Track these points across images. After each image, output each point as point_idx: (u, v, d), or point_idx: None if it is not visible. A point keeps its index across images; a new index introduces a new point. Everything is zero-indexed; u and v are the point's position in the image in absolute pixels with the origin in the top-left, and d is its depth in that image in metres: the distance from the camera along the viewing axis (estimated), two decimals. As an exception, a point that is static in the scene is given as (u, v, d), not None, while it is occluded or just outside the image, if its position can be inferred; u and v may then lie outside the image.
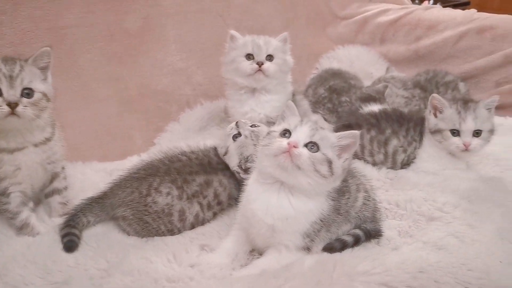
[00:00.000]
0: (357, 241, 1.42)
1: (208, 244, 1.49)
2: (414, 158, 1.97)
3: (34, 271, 1.32)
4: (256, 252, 1.46)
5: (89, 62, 2.11)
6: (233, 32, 2.16)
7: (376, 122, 2.02)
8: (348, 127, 2.05)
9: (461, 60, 2.87)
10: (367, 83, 2.84)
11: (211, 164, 1.70)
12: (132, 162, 2.13)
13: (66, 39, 2.03)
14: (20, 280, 1.29)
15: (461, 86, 2.66)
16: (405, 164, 1.98)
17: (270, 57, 2.09)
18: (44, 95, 1.45)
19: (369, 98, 2.33)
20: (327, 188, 1.34)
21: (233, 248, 1.44)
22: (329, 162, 1.29)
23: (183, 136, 2.33)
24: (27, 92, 1.40)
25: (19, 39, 1.86)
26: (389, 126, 2.00)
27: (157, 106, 2.38)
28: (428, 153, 1.92)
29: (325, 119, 2.62)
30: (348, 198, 1.43)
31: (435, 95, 1.88)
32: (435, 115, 1.90)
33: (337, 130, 2.06)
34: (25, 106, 1.38)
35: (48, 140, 1.55)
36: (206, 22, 2.63)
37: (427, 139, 1.93)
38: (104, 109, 2.16)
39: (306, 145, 1.28)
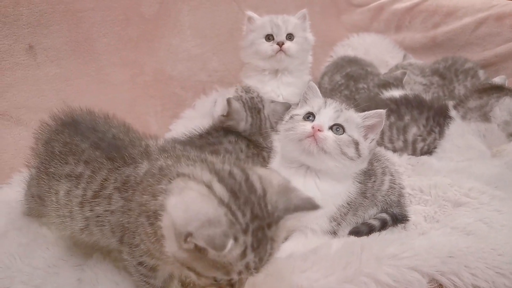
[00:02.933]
0: (384, 225, 1.39)
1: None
2: (435, 147, 1.92)
3: None
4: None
5: (105, 47, 2.07)
6: (250, 13, 2.12)
7: (396, 107, 1.98)
8: (367, 111, 2.02)
9: (480, 47, 2.81)
10: (382, 71, 2.79)
11: (211, 134, 1.71)
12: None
13: (82, 23, 1.99)
14: None
15: (481, 73, 2.61)
16: (426, 153, 1.94)
17: (290, 36, 2.05)
18: None
19: (387, 85, 2.29)
20: (354, 170, 1.31)
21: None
22: (356, 144, 1.26)
23: (198, 122, 2.28)
24: None
25: (36, 21, 1.82)
26: (408, 112, 1.96)
27: (173, 92, 2.35)
28: (454, 144, 1.86)
29: (342, 107, 2.58)
30: (374, 181, 1.40)
31: None
32: None
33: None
34: None
35: None
36: (221, 8, 2.59)
37: (455, 131, 1.87)
38: (119, 94, 2.12)
39: (331, 128, 1.25)
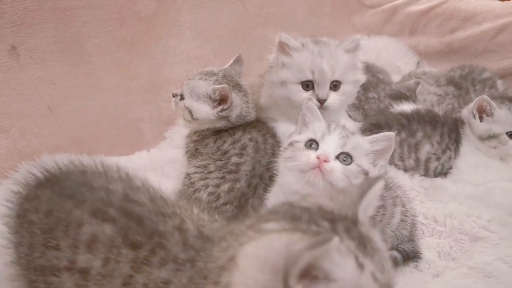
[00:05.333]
0: (394, 265, 1.23)
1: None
2: (450, 168, 1.77)
3: None
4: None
5: (97, 48, 1.92)
6: (284, 37, 1.52)
7: (407, 123, 1.84)
8: (377, 126, 1.87)
9: (499, 55, 2.64)
10: (394, 77, 2.64)
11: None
12: (140, 157, 1.98)
13: (72, 22, 1.84)
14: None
15: (500, 84, 2.46)
16: (439, 174, 1.79)
17: (336, 84, 1.53)
18: None
19: (399, 96, 2.15)
20: None
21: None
22: (365, 174, 1.11)
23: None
24: None
25: (20, 19, 1.67)
26: (420, 129, 1.81)
27: (170, 97, 2.20)
28: (470, 164, 1.71)
29: (350, 116, 2.43)
30: (384, 214, 1.25)
31: (485, 97, 1.69)
32: (481, 119, 1.70)
33: (365, 129, 1.88)
34: None
35: None
36: (224, 7, 2.43)
37: (468, 147, 1.73)
38: (111, 99, 1.97)
39: (337, 157, 1.10)
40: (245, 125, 1.54)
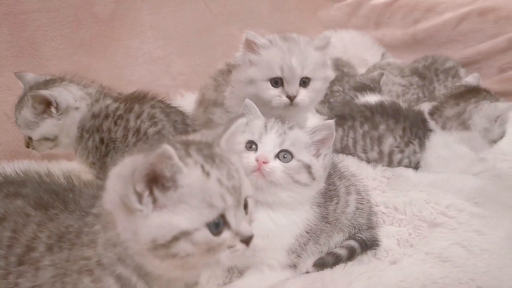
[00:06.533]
0: (352, 254, 1.24)
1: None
2: (418, 162, 1.78)
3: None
4: (235, 269, 1.28)
5: (54, 51, 1.90)
6: (250, 34, 1.50)
7: (370, 115, 1.84)
8: (341, 118, 1.87)
9: (462, 44, 2.70)
10: (361, 70, 2.66)
11: None
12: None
13: (27, 26, 1.82)
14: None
15: (462, 72, 2.50)
16: (406, 166, 1.79)
17: (305, 80, 1.51)
18: None
19: (363, 87, 2.16)
20: (311, 195, 1.17)
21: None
22: (308, 168, 1.12)
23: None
24: None
25: (-29, 26, 1.66)
26: (383, 122, 1.81)
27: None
28: (438, 156, 1.73)
29: (316, 110, 2.44)
30: (337, 203, 1.25)
31: None
32: None
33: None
34: None
35: None
36: (186, 6, 2.42)
37: (439, 140, 1.74)
38: (71, 103, 1.95)
39: (277, 155, 1.11)
40: (140, 98, 1.49)
